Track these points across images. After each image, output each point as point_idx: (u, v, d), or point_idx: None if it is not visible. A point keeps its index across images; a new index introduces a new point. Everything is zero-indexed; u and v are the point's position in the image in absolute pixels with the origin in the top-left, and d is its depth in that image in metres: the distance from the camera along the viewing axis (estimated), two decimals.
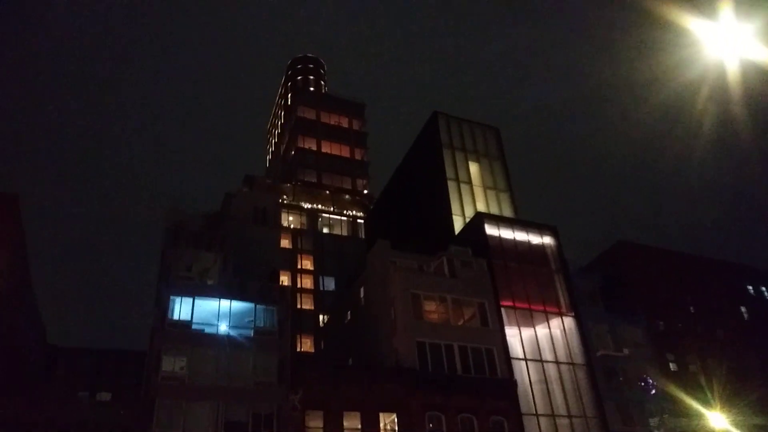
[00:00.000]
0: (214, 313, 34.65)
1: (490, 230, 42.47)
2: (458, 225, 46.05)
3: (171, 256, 36.87)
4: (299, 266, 71.62)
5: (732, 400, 37.34)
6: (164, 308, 33.68)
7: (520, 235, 43.32)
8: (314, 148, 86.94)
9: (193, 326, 33.65)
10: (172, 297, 34.09)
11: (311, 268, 72.51)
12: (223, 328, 34.35)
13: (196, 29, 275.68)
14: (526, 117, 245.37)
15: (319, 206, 78.60)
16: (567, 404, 37.78)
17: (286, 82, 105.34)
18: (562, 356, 39.51)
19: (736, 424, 35.54)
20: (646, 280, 46.99)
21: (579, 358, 39.64)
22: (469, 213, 46.78)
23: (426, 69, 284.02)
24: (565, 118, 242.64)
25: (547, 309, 40.63)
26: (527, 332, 39.66)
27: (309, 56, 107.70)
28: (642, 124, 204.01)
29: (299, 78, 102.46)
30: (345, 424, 31.60)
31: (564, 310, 41.08)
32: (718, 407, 36.69)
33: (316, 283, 71.16)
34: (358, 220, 78.70)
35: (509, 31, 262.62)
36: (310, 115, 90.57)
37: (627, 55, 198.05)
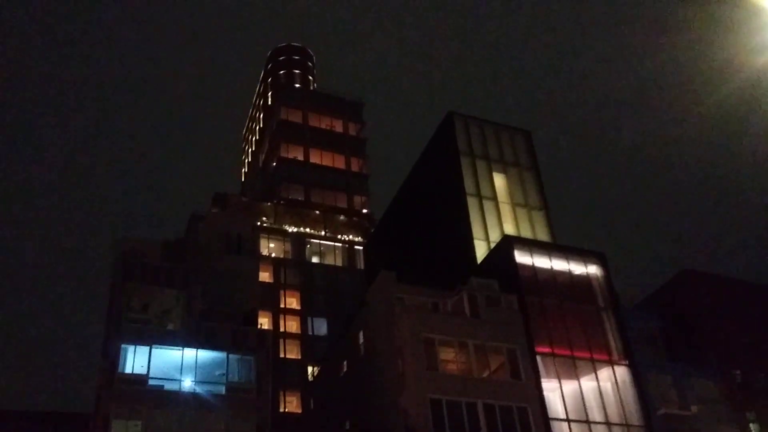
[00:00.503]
0: (176, 365, 34.67)
1: (522, 258, 42.27)
2: (481, 252, 45.91)
3: (122, 295, 37.00)
4: (283, 305, 71.50)
5: None
6: (114, 360, 33.82)
7: (559, 264, 43.12)
8: (301, 157, 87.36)
9: (150, 382, 33.74)
10: (123, 345, 34.28)
11: (297, 308, 72.36)
12: (188, 383, 34.35)
13: (153, 10, 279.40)
14: (563, 116, 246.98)
15: (308, 230, 78.72)
16: None
17: (265, 77, 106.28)
18: (613, 416, 39.07)
19: None
20: (719, 319, 46.59)
21: (635, 419, 39.19)
22: (495, 237, 46.66)
23: (438, 60, 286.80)
24: (613, 115, 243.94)
25: (595, 357, 40.31)
26: (570, 386, 39.29)
27: (294, 45, 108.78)
28: (708, 121, 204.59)
29: (282, 72, 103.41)
30: None
31: (616, 357, 40.78)
32: None
33: (303, 325, 70.99)
34: (356, 247, 78.75)
35: (540, 7, 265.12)
36: (295, 117, 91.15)
37: (692, 38, 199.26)
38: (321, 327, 71.52)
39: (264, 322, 66.12)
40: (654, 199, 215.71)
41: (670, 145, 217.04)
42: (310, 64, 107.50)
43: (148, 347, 34.37)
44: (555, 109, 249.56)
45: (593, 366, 39.99)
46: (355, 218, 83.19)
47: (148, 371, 33.82)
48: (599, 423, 38.54)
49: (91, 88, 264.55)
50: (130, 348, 34.27)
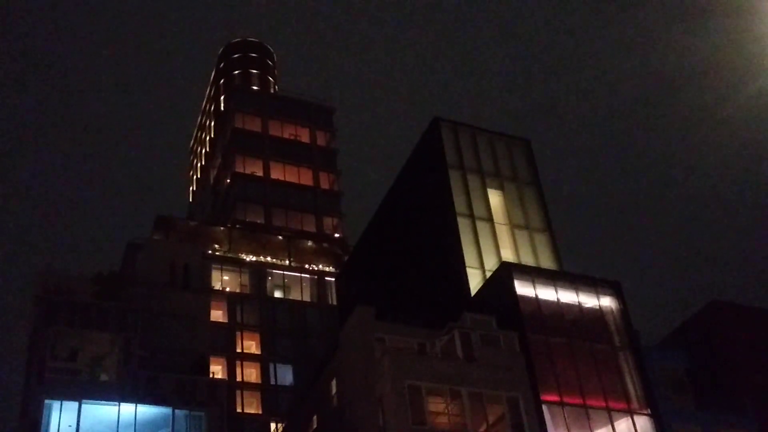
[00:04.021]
0: (111, 423, 34.68)
1: (523, 289, 42.47)
2: (475, 282, 46.08)
3: (45, 340, 36.72)
4: (239, 349, 70.98)
5: None
6: (35, 418, 33.71)
7: (567, 296, 43.36)
8: (260, 173, 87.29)
9: None
10: (47, 401, 34.32)
11: (257, 352, 71.88)
12: None
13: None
14: (568, 122, 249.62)
15: (269, 259, 78.45)
16: None
17: (217, 78, 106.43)
18: None
19: None
20: (756, 358, 46.97)
21: None
22: (491, 264, 46.88)
23: (421, 57, 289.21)
24: (626, 121, 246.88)
25: (611, 405, 40.47)
26: None
27: (250, 41, 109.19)
28: (737, 125, 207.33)
29: (236, 72, 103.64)
30: None
31: (635, 406, 41.00)
32: None
33: (264, 374, 70.50)
34: (327, 278, 78.54)
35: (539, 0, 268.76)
36: (252, 125, 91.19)
37: (715, 30, 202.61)
38: (286, 375, 71.02)
39: (217, 370, 65.57)
40: (676, 219, 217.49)
41: (694, 155, 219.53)
42: (269, 62, 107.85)
43: (77, 402, 34.30)
44: (558, 113, 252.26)
45: (609, 416, 40.06)
46: (325, 244, 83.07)
47: (78, 431, 33.53)
48: None
49: (8, 90, 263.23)
50: (56, 404, 34.22)
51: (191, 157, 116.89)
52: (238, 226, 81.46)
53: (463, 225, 48.64)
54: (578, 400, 39.79)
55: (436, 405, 37.12)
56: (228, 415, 39.14)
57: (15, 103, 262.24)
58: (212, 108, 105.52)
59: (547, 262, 49.04)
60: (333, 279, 76.31)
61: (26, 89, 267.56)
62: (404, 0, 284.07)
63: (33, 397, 34.31)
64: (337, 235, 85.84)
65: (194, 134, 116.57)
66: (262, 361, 71.16)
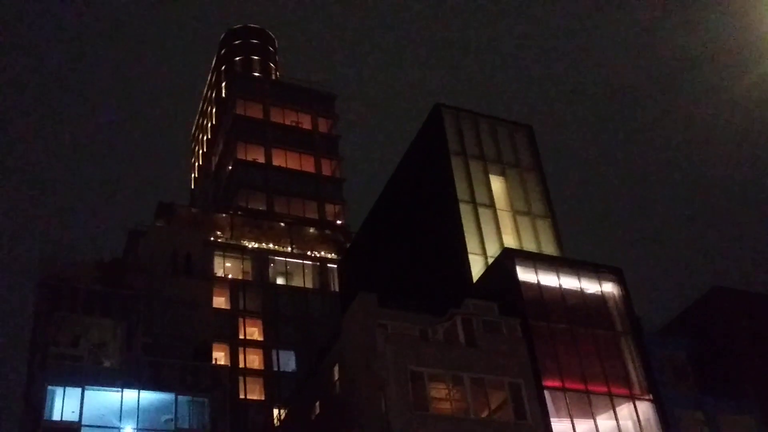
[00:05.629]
0: (114, 409, 34.84)
1: (525, 275, 42.44)
2: (477, 268, 46.11)
3: (48, 326, 36.86)
4: (242, 336, 71.18)
5: None
6: (38, 404, 33.94)
7: (569, 282, 43.33)
8: (261, 159, 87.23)
9: (84, 430, 33.74)
10: (50, 387, 34.50)
11: (260, 339, 72.05)
12: (129, 431, 34.01)
13: None
14: (570, 107, 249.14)
15: (271, 245, 78.50)
16: None
17: (218, 64, 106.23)
18: None
19: None
20: (758, 344, 46.99)
21: None
22: (493, 250, 46.87)
23: (422, 43, 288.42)
24: (629, 106, 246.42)
25: (613, 391, 40.49)
26: (584, 426, 39.42)
27: (251, 27, 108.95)
28: (740, 109, 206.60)
29: (238, 59, 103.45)
30: None
31: (637, 391, 41.02)
32: None
33: (267, 360, 70.70)
34: (329, 265, 78.63)
35: None
36: (254, 111, 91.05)
37: (720, 10, 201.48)
38: (288, 361, 71.21)
39: (219, 356, 65.71)
40: (678, 205, 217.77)
41: (696, 140, 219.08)
42: (271, 49, 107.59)
43: (79, 389, 34.47)
44: (560, 98, 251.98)
45: (611, 402, 40.11)
46: (327, 231, 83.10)
47: (81, 417, 33.92)
48: None
49: (9, 76, 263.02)
50: (58, 390, 34.39)
51: (193, 144, 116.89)
52: (240, 212, 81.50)
53: (465, 211, 48.60)
54: (580, 386, 39.83)
55: (438, 391, 37.21)
56: (231, 401, 39.40)
57: (17, 90, 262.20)
58: (214, 94, 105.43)
59: (549, 248, 49.02)
60: (335, 265, 76.32)
61: (28, 76, 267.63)
62: None
63: (36, 384, 34.51)
64: (339, 221, 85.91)
65: (196, 121, 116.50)
66: (265, 347, 71.35)
